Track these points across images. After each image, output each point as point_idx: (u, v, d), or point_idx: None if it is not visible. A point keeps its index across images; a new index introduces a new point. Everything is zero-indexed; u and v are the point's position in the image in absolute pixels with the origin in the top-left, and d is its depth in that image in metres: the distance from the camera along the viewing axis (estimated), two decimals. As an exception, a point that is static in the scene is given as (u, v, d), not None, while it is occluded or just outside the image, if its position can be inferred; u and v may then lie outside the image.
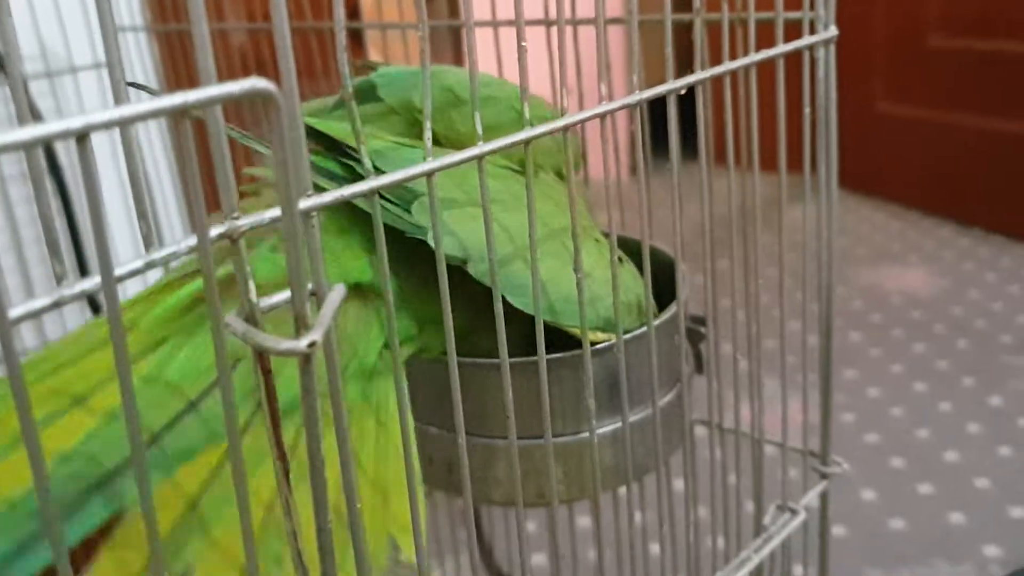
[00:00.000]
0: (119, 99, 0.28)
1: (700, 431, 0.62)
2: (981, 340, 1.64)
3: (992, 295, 1.80)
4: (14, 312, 0.24)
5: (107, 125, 0.23)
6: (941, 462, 1.31)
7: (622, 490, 0.58)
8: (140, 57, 1.02)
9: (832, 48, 0.51)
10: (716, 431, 0.56)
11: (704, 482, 0.57)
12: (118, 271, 0.26)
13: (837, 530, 1.15)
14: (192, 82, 0.93)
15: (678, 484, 0.59)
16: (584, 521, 1.09)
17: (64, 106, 0.99)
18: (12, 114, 0.97)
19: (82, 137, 0.23)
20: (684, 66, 0.46)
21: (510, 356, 0.40)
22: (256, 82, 0.25)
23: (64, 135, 0.22)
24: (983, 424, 1.39)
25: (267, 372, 0.30)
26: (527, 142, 0.38)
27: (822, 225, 0.55)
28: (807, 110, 0.51)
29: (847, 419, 1.42)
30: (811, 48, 0.50)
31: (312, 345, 0.28)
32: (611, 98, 0.40)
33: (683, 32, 0.53)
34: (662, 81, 0.43)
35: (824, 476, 0.60)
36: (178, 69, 1.00)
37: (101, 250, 0.24)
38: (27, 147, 0.22)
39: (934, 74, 2.14)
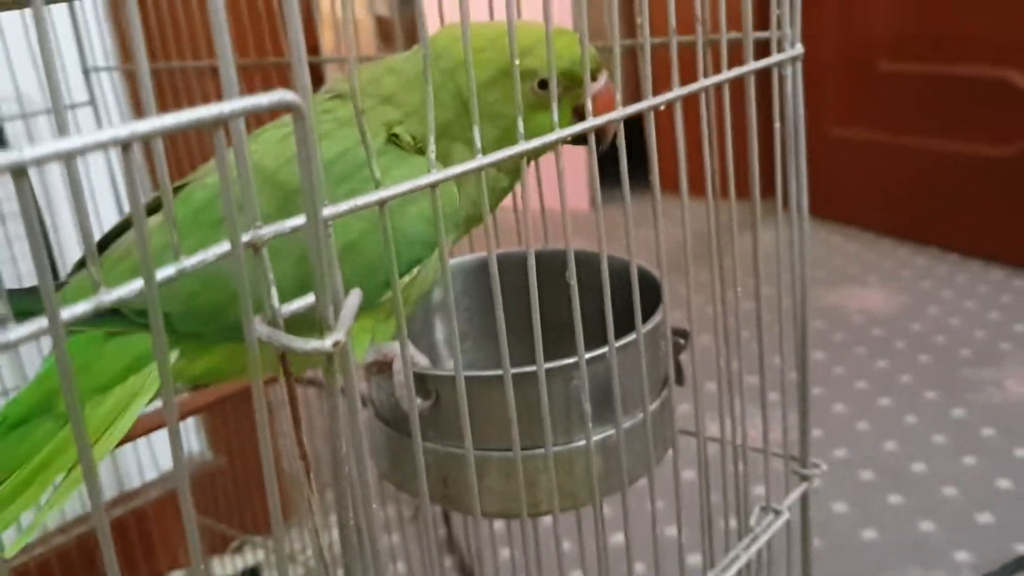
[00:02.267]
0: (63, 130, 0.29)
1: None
2: (941, 354, 1.68)
3: (950, 311, 1.85)
4: None
5: (57, 156, 0.25)
6: (909, 473, 1.34)
7: (605, 505, 0.60)
8: (115, 96, 1.03)
9: (799, 65, 0.54)
10: (701, 439, 0.57)
11: (686, 491, 0.59)
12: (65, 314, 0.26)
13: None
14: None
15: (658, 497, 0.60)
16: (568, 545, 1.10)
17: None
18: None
19: (19, 172, 0.23)
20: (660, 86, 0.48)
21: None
22: (284, 94, 0.27)
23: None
24: (948, 435, 1.42)
25: (288, 374, 0.32)
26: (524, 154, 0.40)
27: (795, 237, 0.57)
28: (777, 125, 0.54)
29: (815, 435, 1.45)
30: (779, 65, 0.53)
31: (337, 344, 0.29)
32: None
33: (661, 51, 0.54)
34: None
35: (804, 478, 0.62)
36: (166, 105, 1.01)
37: (46, 292, 0.24)
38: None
39: (885, 98, 2.20)
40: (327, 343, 0.29)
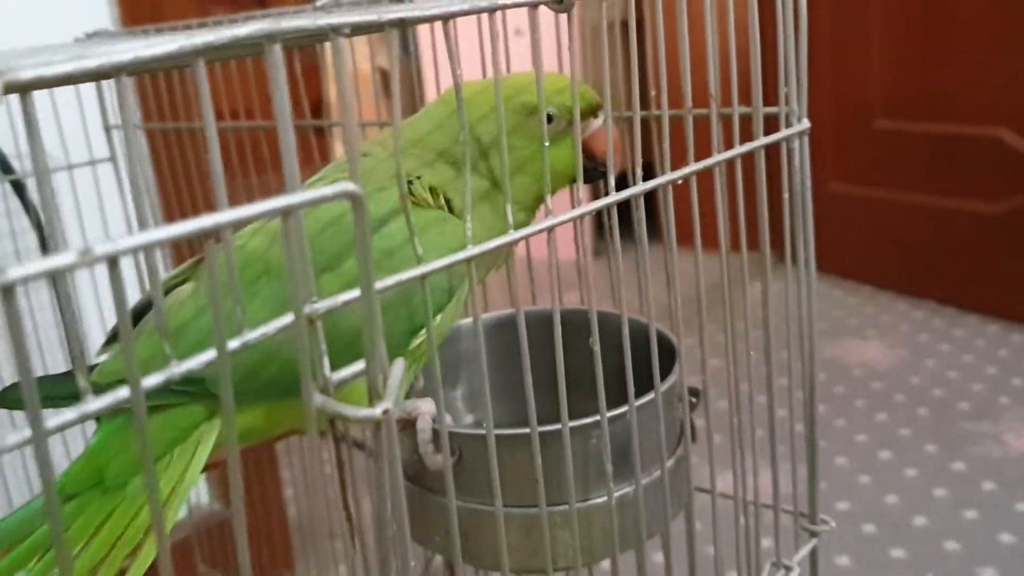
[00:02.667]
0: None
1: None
2: (940, 408, 1.70)
3: (947, 364, 1.87)
4: None
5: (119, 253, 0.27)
6: (910, 526, 1.35)
7: (620, 562, 0.61)
8: (136, 153, 1.05)
9: (806, 139, 0.56)
10: (712, 496, 0.59)
11: (699, 545, 0.60)
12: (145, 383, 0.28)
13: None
14: (186, 175, 0.97)
15: (661, 555, 0.62)
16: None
17: (61, 200, 1.02)
18: (11, 209, 1.00)
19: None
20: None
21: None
22: (346, 186, 0.29)
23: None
24: (948, 489, 1.43)
25: (338, 439, 0.34)
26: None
27: (803, 297, 0.60)
28: (786, 196, 0.57)
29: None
30: (787, 140, 0.56)
31: (387, 412, 0.31)
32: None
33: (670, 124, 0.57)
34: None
35: (813, 535, 0.63)
36: (173, 162, 1.04)
37: (129, 364, 0.26)
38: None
39: (881, 155, 2.25)
40: (377, 411, 0.31)
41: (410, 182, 0.53)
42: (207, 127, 0.30)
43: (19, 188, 0.97)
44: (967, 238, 2.08)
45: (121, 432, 0.50)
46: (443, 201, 0.54)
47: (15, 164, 0.96)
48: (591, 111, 0.56)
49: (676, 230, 0.52)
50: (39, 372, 0.57)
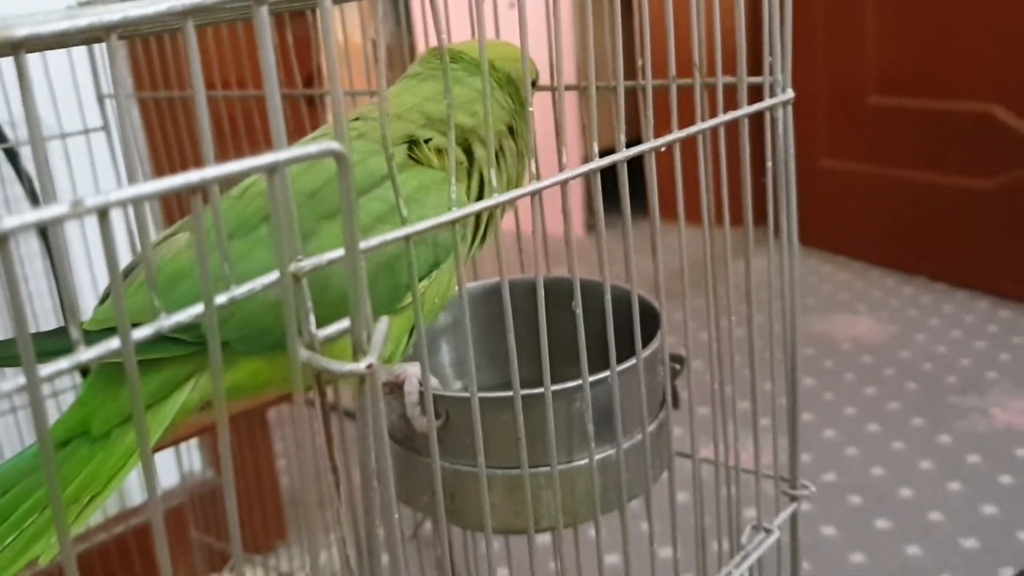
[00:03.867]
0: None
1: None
2: (928, 382, 1.71)
3: (937, 339, 1.89)
4: None
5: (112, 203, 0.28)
6: (896, 498, 1.37)
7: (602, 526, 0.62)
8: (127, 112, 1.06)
9: (790, 108, 0.57)
10: (695, 461, 0.61)
11: (681, 511, 0.62)
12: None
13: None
14: (179, 143, 0.97)
15: (654, 517, 0.64)
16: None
17: (55, 170, 1.03)
18: (4, 177, 1.01)
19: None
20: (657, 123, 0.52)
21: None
22: (331, 145, 0.30)
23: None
24: (934, 461, 1.45)
25: (323, 394, 0.35)
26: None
27: (785, 266, 0.61)
28: (769, 164, 0.57)
29: (805, 460, 1.48)
30: (771, 109, 0.56)
31: (370, 367, 0.32)
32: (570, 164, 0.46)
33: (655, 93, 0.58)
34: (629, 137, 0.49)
35: (794, 499, 0.65)
36: (165, 131, 1.04)
37: (120, 316, 0.27)
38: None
39: (873, 131, 2.25)
40: (361, 365, 0.32)
41: (416, 143, 0.55)
42: (195, 85, 0.30)
43: (12, 156, 0.98)
44: (959, 214, 2.09)
45: (106, 382, 0.50)
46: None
47: (8, 132, 0.97)
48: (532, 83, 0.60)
49: (662, 202, 0.53)
50: (31, 328, 0.57)
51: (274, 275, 0.31)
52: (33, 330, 0.45)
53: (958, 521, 1.29)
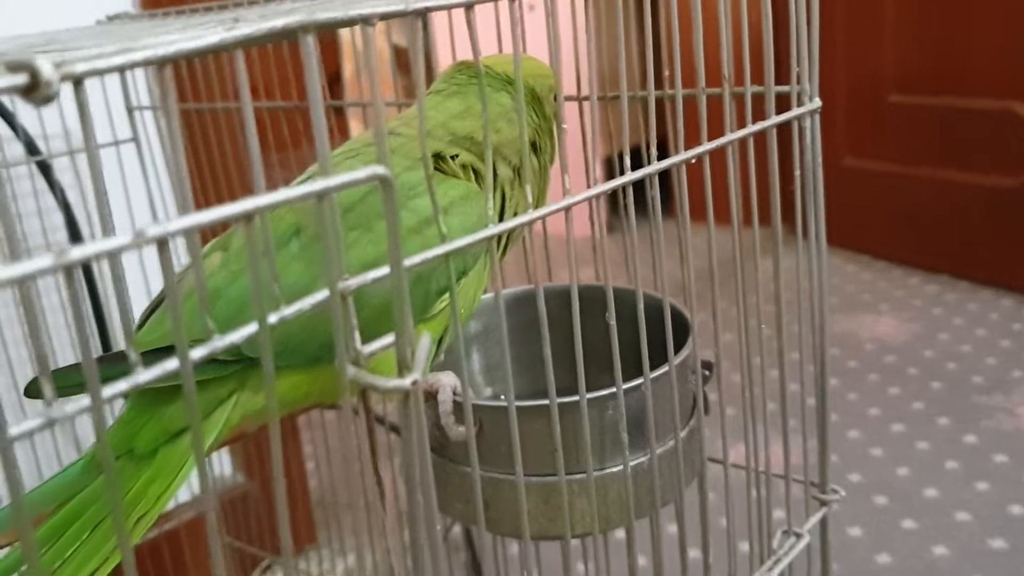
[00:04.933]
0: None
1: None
2: (953, 381, 1.71)
3: (961, 338, 1.88)
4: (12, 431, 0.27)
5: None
6: (922, 498, 1.36)
7: (622, 534, 0.63)
8: (158, 134, 1.07)
9: (817, 118, 0.58)
10: (725, 466, 0.61)
11: (711, 515, 0.62)
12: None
13: None
14: (207, 152, 0.98)
15: (674, 526, 0.64)
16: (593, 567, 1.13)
17: (84, 182, 1.04)
18: (37, 189, 1.02)
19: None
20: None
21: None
22: (376, 169, 0.31)
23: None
24: (960, 461, 1.45)
25: (368, 410, 0.36)
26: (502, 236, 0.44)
27: (814, 271, 0.61)
28: (797, 172, 0.58)
29: (831, 460, 1.48)
30: (799, 119, 0.57)
31: (415, 383, 0.33)
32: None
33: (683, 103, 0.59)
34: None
35: (824, 504, 0.65)
36: (194, 142, 1.06)
37: (179, 338, 0.28)
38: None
39: (894, 130, 2.24)
40: (407, 382, 0.33)
41: (443, 158, 0.57)
42: (244, 113, 0.31)
43: (45, 169, 1.00)
44: (981, 212, 2.08)
45: (150, 402, 0.52)
46: (473, 178, 0.57)
47: (40, 145, 0.98)
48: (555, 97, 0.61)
49: (690, 208, 0.54)
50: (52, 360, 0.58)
51: (322, 294, 0.32)
52: (53, 365, 0.46)
53: (986, 521, 1.29)
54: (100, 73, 0.28)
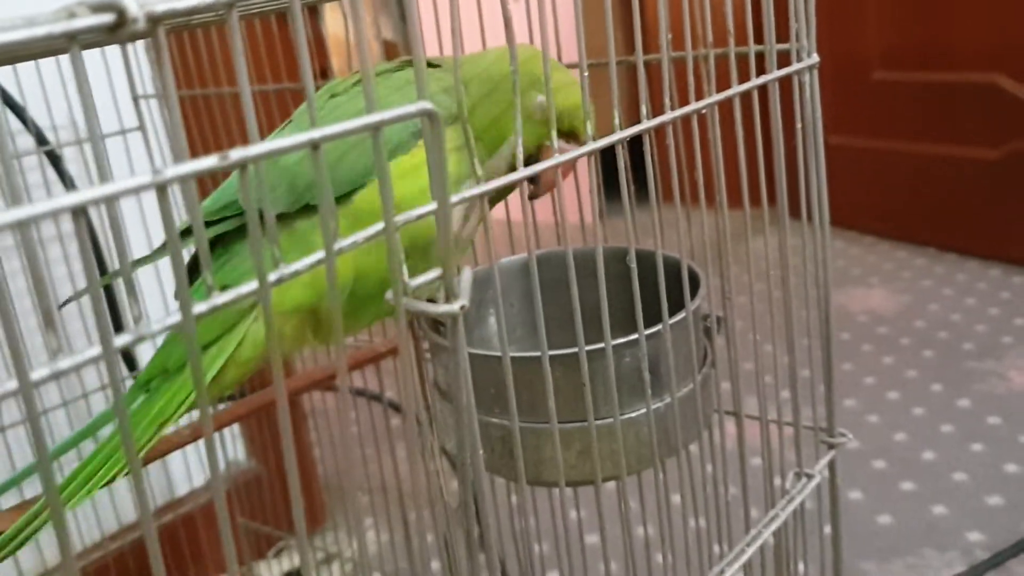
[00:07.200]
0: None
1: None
2: (945, 349, 1.74)
3: (951, 308, 1.91)
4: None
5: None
6: (919, 461, 1.40)
7: (647, 478, 0.66)
8: (164, 121, 1.09)
9: (815, 73, 0.60)
10: (734, 416, 0.64)
11: (729, 459, 0.65)
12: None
13: (828, 529, 1.23)
14: (216, 139, 1.00)
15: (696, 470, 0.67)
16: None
17: (92, 171, 1.06)
18: (49, 180, 1.04)
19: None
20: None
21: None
22: (424, 104, 0.33)
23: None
24: (955, 424, 1.48)
25: (417, 338, 0.38)
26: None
27: (816, 223, 0.64)
28: (799, 126, 0.60)
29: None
30: (799, 73, 0.59)
31: (463, 308, 0.36)
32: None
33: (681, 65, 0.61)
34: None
35: (832, 447, 0.68)
36: (202, 130, 1.08)
37: (257, 260, 0.30)
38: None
39: (879, 105, 2.28)
40: (455, 307, 0.35)
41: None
42: (238, 72, 0.34)
43: (55, 160, 1.01)
44: (966, 185, 2.11)
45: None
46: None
47: (68, 133, 1.00)
48: (570, 134, 0.60)
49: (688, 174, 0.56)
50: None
51: (378, 226, 0.34)
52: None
53: (982, 480, 1.32)
54: (177, 16, 0.30)
